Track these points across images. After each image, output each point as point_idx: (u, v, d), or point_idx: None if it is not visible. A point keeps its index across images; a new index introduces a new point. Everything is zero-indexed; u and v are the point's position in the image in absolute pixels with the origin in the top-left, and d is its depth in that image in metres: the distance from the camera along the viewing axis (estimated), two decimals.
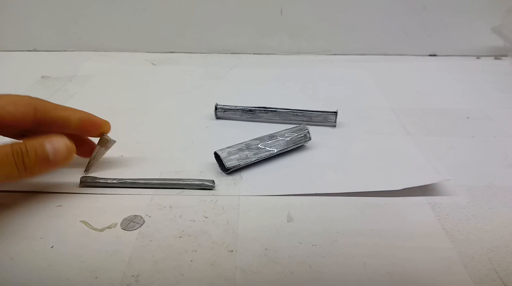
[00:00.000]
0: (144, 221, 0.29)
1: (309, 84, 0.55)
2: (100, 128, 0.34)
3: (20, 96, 0.31)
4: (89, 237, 0.28)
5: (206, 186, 0.33)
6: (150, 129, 0.41)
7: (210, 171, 0.35)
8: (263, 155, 0.36)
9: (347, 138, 0.41)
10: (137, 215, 0.30)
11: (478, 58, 0.65)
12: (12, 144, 0.27)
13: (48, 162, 0.28)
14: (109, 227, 0.28)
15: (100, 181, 0.33)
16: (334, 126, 0.43)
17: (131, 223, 0.29)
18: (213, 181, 0.33)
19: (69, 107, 0.33)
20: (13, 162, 0.26)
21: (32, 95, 0.31)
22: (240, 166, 0.35)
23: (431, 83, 0.55)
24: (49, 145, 0.28)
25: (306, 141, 0.38)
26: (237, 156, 0.35)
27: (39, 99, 0.31)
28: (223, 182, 0.34)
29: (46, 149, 0.28)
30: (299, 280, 0.25)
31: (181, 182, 0.33)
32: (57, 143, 0.29)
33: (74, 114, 0.32)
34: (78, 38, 0.66)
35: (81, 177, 0.33)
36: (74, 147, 0.30)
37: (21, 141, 0.28)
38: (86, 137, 0.35)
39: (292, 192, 0.32)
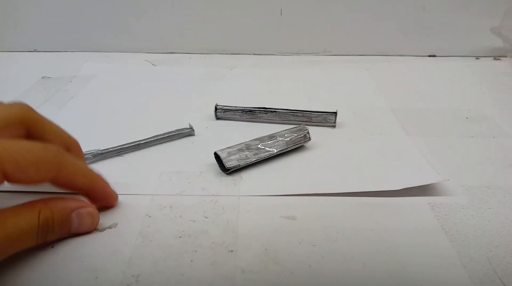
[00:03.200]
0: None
1: (309, 84, 0.55)
2: (106, 199, 0.30)
3: (9, 108, 0.26)
4: (89, 237, 0.28)
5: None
6: (150, 129, 0.41)
7: (210, 171, 0.35)
8: (263, 155, 0.36)
9: (347, 139, 0.41)
10: None
11: (477, 58, 0.65)
12: (39, 212, 0.24)
13: (68, 234, 0.27)
14: (109, 227, 0.29)
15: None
16: (334, 126, 0.43)
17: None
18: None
19: (88, 172, 0.28)
20: (35, 236, 0.24)
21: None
22: (240, 167, 0.35)
23: (431, 84, 0.56)
24: (75, 217, 0.26)
25: (305, 141, 0.38)
26: (237, 156, 0.35)
27: (32, 114, 0.27)
28: (223, 182, 0.34)
29: (71, 221, 0.26)
30: (299, 280, 0.25)
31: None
32: (84, 216, 0.27)
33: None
34: (79, 39, 0.66)
35: None
36: (98, 217, 0.28)
37: (47, 202, 0.25)
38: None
39: (292, 192, 0.32)
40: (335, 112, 0.42)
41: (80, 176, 0.27)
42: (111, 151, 0.37)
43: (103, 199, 0.29)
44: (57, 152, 0.25)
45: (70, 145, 0.29)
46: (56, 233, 0.26)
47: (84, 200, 0.28)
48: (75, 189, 0.27)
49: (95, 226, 0.28)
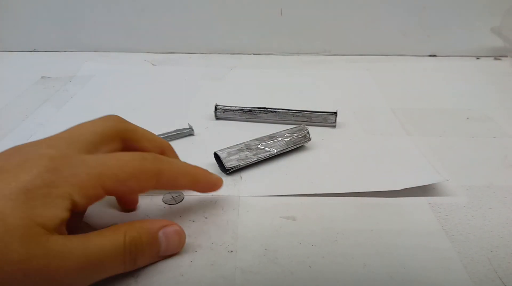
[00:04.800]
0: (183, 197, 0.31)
1: (309, 84, 0.55)
2: (211, 187, 0.29)
3: (103, 123, 0.26)
4: None
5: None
6: (149, 129, 0.41)
7: (210, 172, 0.35)
8: (263, 155, 0.36)
9: (347, 139, 0.41)
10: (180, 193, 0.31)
11: (477, 58, 0.65)
12: (125, 233, 0.22)
13: (157, 256, 0.25)
14: None
15: None
16: (334, 126, 0.43)
17: (172, 199, 0.31)
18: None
19: (188, 171, 0.27)
20: (121, 258, 0.22)
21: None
22: (240, 167, 0.35)
23: (431, 84, 0.56)
24: (162, 236, 0.24)
25: (306, 141, 0.38)
26: (237, 156, 0.35)
27: (165, 164, 0.25)
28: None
29: (159, 242, 0.24)
30: (299, 281, 0.25)
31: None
32: (170, 234, 0.25)
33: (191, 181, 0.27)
34: (78, 39, 0.66)
35: None
36: (185, 236, 0.26)
37: (132, 223, 0.23)
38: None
39: (292, 193, 0.32)
40: (335, 112, 0.42)
41: (181, 177, 0.26)
42: None
43: (208, 189, 0.28)
44: (154, 160, 0.25)
45: (164, 149, 0.29)
46: (146, 255, 0.24)
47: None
48: (179, 188, 0.27)
49: (182, 245, 0.26)
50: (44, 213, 0.20)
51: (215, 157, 0.35)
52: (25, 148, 0.22)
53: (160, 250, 0.24)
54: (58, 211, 0.20)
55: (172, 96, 0.51)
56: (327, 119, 0.42)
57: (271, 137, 0.37)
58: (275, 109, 0.43)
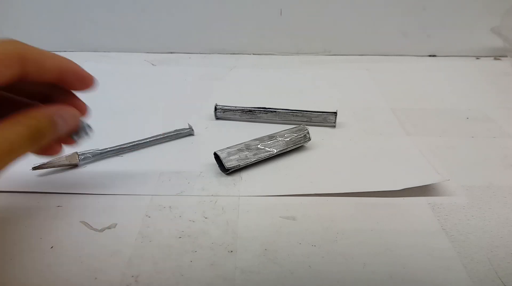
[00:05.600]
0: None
1: (309, 84, 0.55)
2: (81, 80, 0.28)
3: (5, 41, 0.24)
4: (88, 237, 0.28)
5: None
6: (149, 129, 0.41)
7: (210, 172, 0.35)
8: (262, 155, 0.36)
9: (347, 139, 0.41)
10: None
11: (477, 58, 0.65)
12: (26, 123, 0.24)
13: (57, 135, 0.26)
14: (108, 228, 0.28)
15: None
16: (334, 126, 0.43)
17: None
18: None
19: (51, 55, 0.26)
20: (29, 145, 0.24)
21: None
22: (240, 167, 0.35)
23: (431, 84, 0.56)
24: (59, 118, 0.26)
25: (305, 141, 0.38)
26: (236, 156, 0.35)
27: (27, 46, 0.25)
28: (222, 182, 0.34)
29: (57, 123, 0.26)
30: (298, 281, 0.25)
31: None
32: (65, 114, 0.27)
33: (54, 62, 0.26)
34: (78, 39, 0.66)
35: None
36: (78, 113, 0.28)
37: (27, 113, 0.24)
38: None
39: (291, 193, 0.32)
40: (335, 112, 0.42)
41: (48, 59, 0.25)
42: (110, 151, 0.37)
43: (80, 81, 0.28)
44: (16, 43, 0.24)
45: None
46: (47, 137, 0.25)
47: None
48: (47, 76, 0.26)
49: (78, 119, 0.28)
50: None
51: (215, 157, 0.35)
52: None
53: (59, 129, 0.26)
54: None
55: (172, 96, 0.51)
56: (327, 119, 0.42)
57: (271, 137, 0.37)
58: (275, 109, 0.43)
